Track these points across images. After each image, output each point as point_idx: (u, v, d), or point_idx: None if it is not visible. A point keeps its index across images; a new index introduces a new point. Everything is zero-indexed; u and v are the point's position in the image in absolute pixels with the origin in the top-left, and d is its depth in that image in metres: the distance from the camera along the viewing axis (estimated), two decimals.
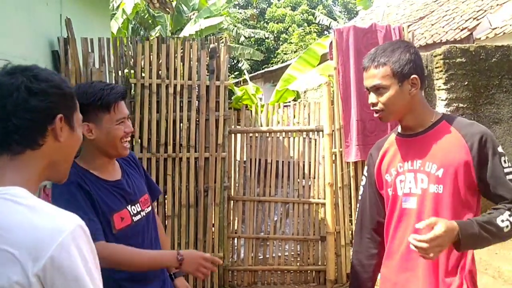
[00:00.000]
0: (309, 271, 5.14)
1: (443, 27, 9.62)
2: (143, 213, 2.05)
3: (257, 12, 27.20)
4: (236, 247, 5.16)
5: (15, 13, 4.02)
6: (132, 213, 2.00)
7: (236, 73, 19.14)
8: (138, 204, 2.04)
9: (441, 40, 8.87)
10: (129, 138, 2.00)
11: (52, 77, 1.19)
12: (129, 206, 2.00)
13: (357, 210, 2.07)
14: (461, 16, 9.56)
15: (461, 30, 8.84)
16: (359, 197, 2.06)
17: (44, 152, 1.17)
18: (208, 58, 4.84)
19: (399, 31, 4.89)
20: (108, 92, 1.91)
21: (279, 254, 5.15)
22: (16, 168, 1.13)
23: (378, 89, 1.80)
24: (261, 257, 5.17)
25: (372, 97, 1.83)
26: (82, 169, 1.93)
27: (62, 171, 1.24)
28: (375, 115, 1.86)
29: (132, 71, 4.89)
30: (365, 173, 2.04)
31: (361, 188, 2.04)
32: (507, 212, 1.65)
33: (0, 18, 3.77)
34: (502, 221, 1.64)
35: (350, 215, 5.00)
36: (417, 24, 10.86)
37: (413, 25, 10.62)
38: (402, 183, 1.82)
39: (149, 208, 2.12)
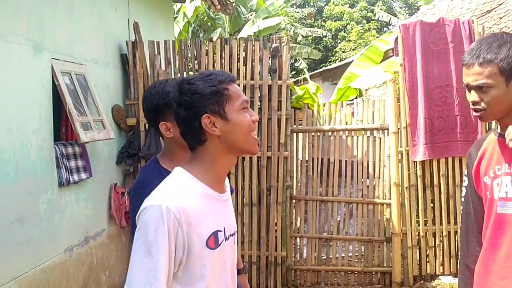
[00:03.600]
0: (373, 273, 5.04)
1: None
2: None
3: (315, 10, 26.95)
4: (299, 247, 5.15)
5: (88, 19, 4.21)
6: None
7: (294, 72, 19.07)
8: None
9: None
10: None
11: (192, 86, 1.45)
12: None
13: (461, 212, 1.95)
14: None
15: None
16: (462, 199, 1.96)
17: (210, 144, 1.47)
18: (270, 58, 4.85)
19: (469, 25, 4.70)
20: None
21: (343, 255, 5.08)
22: (192, 158, 1.51)
23: (481, 88, 1.67)
24: (324, 257, 5.12)
25: (474, 96, 1.69)
26: (163, 171, 1.95)
27: (244, 147, 1.50)
28: (475, 113, 1.74)
29: (196, 73, 4.98)
30: (465, 173, 1.93)
31: (463, 190, 1.92)
32: None
33: (75, 25, 3.97)
34: None
35: (417, 216, 4.86)
36: (484, 17, 10.37)
37: (480, 19, 10.15)
38: (498, 187, 1.71)
39: None
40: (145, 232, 1.34)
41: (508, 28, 8.84)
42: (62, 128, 3.97)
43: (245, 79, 4.84)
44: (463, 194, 1.91)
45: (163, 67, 4.86)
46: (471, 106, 1.74)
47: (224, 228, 1.49)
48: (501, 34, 1.68)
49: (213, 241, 1.43)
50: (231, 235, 1.54)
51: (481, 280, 1.78)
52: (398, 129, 4.82)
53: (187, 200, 1.40)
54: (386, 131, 4.94)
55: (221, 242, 1.46)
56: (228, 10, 7.18)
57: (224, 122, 1.44)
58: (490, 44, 1.65)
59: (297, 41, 19.86)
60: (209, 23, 15.30)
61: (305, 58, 19.22)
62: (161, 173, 1.95)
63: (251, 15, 15.41)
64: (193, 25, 14.78)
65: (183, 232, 1.36)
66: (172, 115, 1.91)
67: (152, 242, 1.32)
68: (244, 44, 4.87)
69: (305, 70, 14.55)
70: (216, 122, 1.43)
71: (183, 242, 1.37)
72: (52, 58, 3.58)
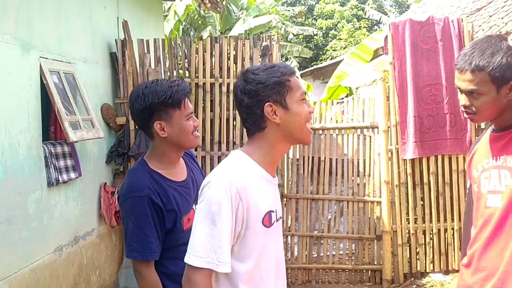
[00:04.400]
0: (364, 271, 5.06)
1: (502, 18, 9.20)
2: None
3: (305, 9, 27.00)
4: (290, 245, 5.15)
5: (77, 18, 4.18)
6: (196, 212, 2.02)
7: None
8: None
9: (500, 32, 8.48)
10: (196, 132, 2.02)
11: (257, 76, 1.55)
12: (194, 205, 2.02)
13: (466, 203, 2.02)
14: None
15: None
16: (467, 191, 2.00)
17: (269, 131, 1.57)
18: (260, 56, 4.85)
19: (458, 24, 4.72)
20: (176, 89, 1.92)
21: (334, 253, 5.10)
22: (250, 143, 1.61)
23: (472, 93, 1.69)
24: (315, 255, 5.14)
25: (465, 100, 1.73)
26: (153, 173, 1.95)
27: (299, 137, 1.60)
28: (466, 115, 1.78)
29: (187, 71, 4.96)
30: None
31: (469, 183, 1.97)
32: None
33: (63, 23, 3.94)
34: None
35: (407, 214, 4.88)
36: (473, 15, 10.43)
37: (470, 17, 10.21)
38: (486, 180, 1.74)
39: None
40: (209, 203, 1.45)
41: (498, 26, 8.90)
42: (50, 128, 3.94)
43: (235, 78, 4.83)
44: (469, 186, 1.95)
45: (152, 66, 4.83)
46: (462, 109, 1.76)
47: (275, 210, 1.60)
48: (496, 39, 1.67)
49: (268, 219, 1.55)
50: (280, 217, 1.65)
51: (464, 271, 1.82)
52: (388, 127, 4.84)
53: (248, 178, 1.51)
54: (376, 130, 4.96)
55: (274, 222, 1.58)
56: (218, 9, 7.16)
57: (285, 111, 1.54)
58: (484, 51, 1.65)
59: (288, 40, 19.88)
60: (200, 22, 15.27)
61: (296, 57, 19.26)
62: (151, 176, 1.94)
63: (242, 13, 15.40)
64: (183, 24, 14.74)
65: (243, 207, 1.47)
66: (167, 114, 1.92)
67: (215, 213, 1.43)
68: (234, 43, 4.86)
69: (296, 68, 14.56)
70: (277, 111, 1.54)
71: (243, 216, 1.47)
72: (40, 57, 3.55)
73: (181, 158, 2.09)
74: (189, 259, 1.46)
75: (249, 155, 1.57)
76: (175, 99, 1.91)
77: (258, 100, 1.54)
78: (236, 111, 5.04)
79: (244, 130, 4.78)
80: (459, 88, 1.73)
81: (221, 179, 1.47)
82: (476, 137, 4.74)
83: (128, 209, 1.91)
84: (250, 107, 1.55)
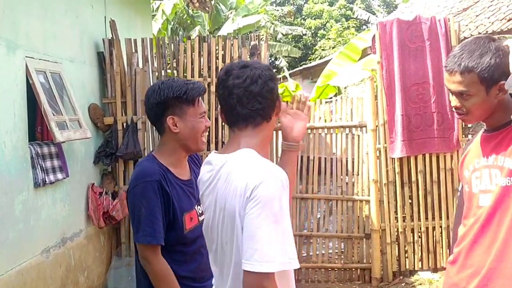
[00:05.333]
0: (353, 269, 5.07)
1: (488, 17, 9.30)
2: None
3: (294, 9, 27.01)
4: None
5: (64, 17, 4.14)
6: (198, 213, 2.04)
7: (274, 70, 19.08)
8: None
9: (486, 31, 8.57)
10: (206, 133, 2.05)
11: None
12: (197, 206, 2.04)
13: (457, 201, 2.03)
14: (507, 6, 9.21)
15: (508, 21, 8.51)
16: (458, 193, 2.02)
17: (274, 120, 1.58)
18: (249, 56, 4.84)
19: (445, 23, 4.76)
20: (192, 86, 1.96)
21: (323, 252, 5.11)
22: (252, 136, 1.55)
23: (462, 95, 1.70)
24: (305, 254, 5.14)
25: (455, 101, 1.74)
26: (162, 166, 1.98)
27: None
28: (457, 116, 1.80)
29: (175, 71, 4.94)
30: None
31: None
32: None
33: (50, 22, 3.90)
34: None
35: (396, 212, 4.91)
36: (460, 15, 10.53)
37: (456, 17, 10.30)
38: (477, 180, 1.75)
39: None
40: (271, 203, 1.39)
41: (484, 25, 8.99)
42: (37, 128, 3.90)
43: None
44: (460, 188, 1.96)
45: (140, 65, 4.81)
46: (453, 110, 1.78)
47: None
48: (484, 40, 1.68)
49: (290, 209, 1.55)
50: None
51: (450, 268, 1.82)
52: (376, 126, 4.86)
53: None
54: (364, 129, 4.97)
55: None
56: (207, 8, 7.14)
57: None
58: (472, 52, 1.66)
59: (277, 39, 19.88)
60: (188, 21, 15.22)
61: (285, 56, 19.29)
62: (161, 168, 1.97)
63: (231, 13, 15.38)
64: (172, 23, 14.69)
65: (287, 199, 1.47)
66: (181, 109, 1.94)
67: (277, 212, 1.39)
68: (222, 42, 4.85)
69: (285, 68, 14.59)
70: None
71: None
72: (26, 57, 3.51)
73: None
74: (261, 267, 1.35)
75: (258, 152, 1.52)
76: (190, 95, 1.94)
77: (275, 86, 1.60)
78: None
79: None
80: (449, 89, 1.74)
81: (274, 176, 1.42)
82: (464, 136, 4.82)
83: (140, 194, 1.92)
84: (275, 93, 1.57)
